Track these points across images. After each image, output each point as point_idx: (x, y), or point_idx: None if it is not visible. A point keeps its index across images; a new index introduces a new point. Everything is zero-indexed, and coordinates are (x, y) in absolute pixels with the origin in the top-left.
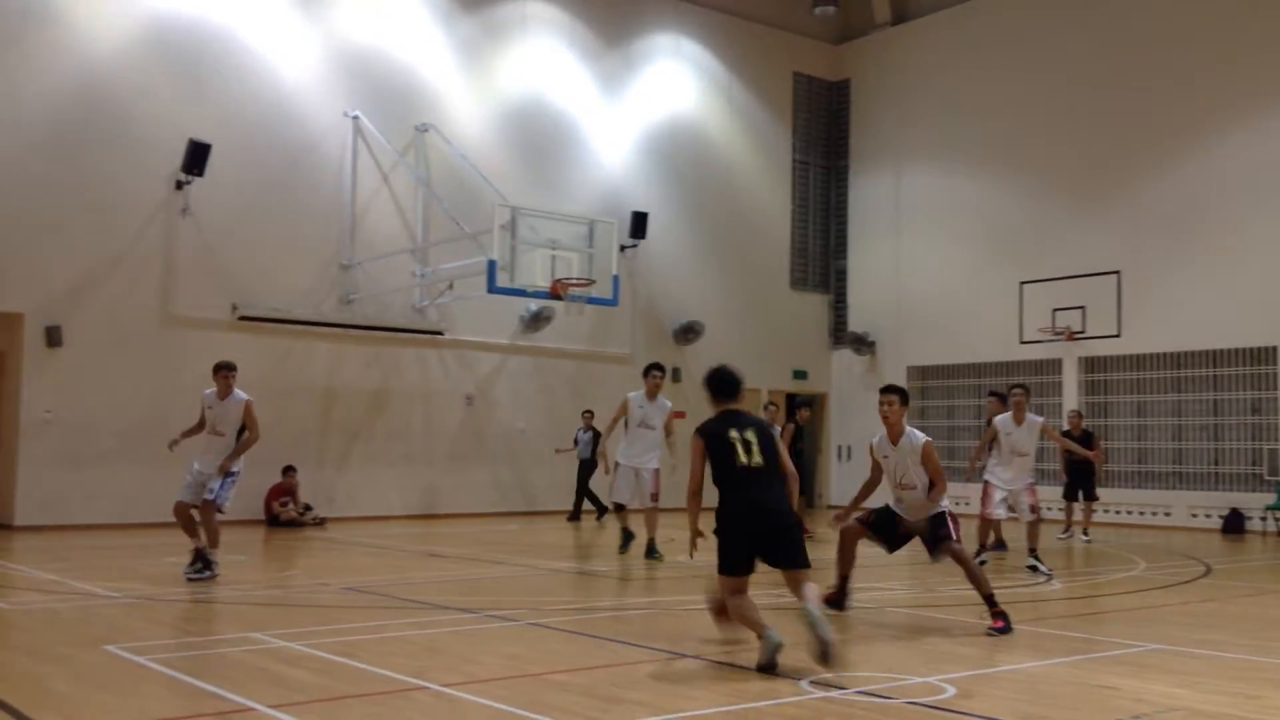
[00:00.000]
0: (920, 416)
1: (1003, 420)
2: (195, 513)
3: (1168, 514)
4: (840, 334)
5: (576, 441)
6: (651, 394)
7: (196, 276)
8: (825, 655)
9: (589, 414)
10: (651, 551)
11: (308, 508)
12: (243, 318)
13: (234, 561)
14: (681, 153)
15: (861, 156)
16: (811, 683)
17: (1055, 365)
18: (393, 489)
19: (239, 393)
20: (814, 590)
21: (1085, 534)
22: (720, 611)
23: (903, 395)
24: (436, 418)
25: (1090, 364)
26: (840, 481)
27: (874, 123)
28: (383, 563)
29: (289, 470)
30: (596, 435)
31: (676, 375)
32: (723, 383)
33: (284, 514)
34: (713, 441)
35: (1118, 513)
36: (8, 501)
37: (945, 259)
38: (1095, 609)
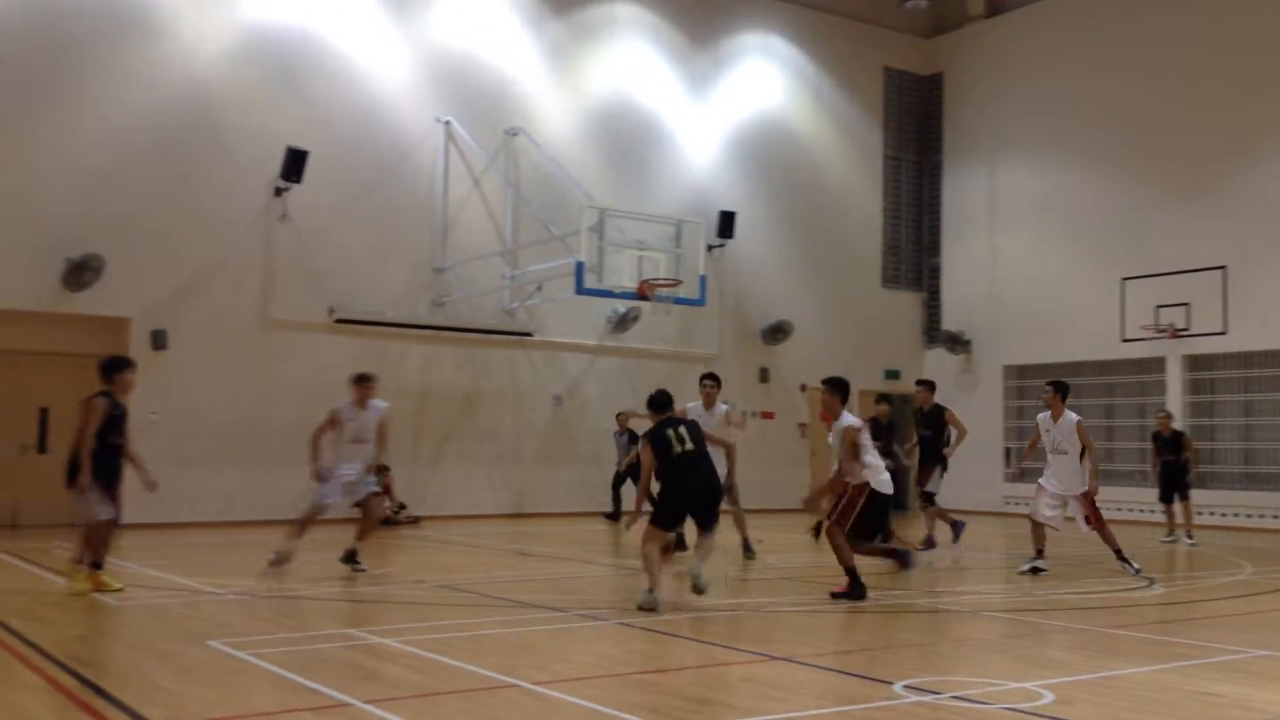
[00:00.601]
0: (1018, 417)
1: (1043, 418)
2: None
3: (1276, 516)
4: (934, 333)
5: (616, 446)
6: (707, 403)
7: (295, 280)
8: (698, 589)
9: (623, 416)
10: (747, 549)
11: (402, 506)
12: (339, 320)
13: (330, 559)
14: (770, 151)
15: (955, 151)
16: (905, 686)
17: (1158, 364)
18: (484, 488)
19: (379, 402)
20: (708, 543)
21: (1189, 536)
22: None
23: (830, 385)
24: (526, 418)
25: (1195, 362)
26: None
27: (968, 117)
28: (474, 561)
29: (383, 469)
30: (633, 437)
31: (765, 376)
32: (662, 402)
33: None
34: (656, 441)
35: (1224, 515)
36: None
37: (1043, 255)
38: (1199, 614)
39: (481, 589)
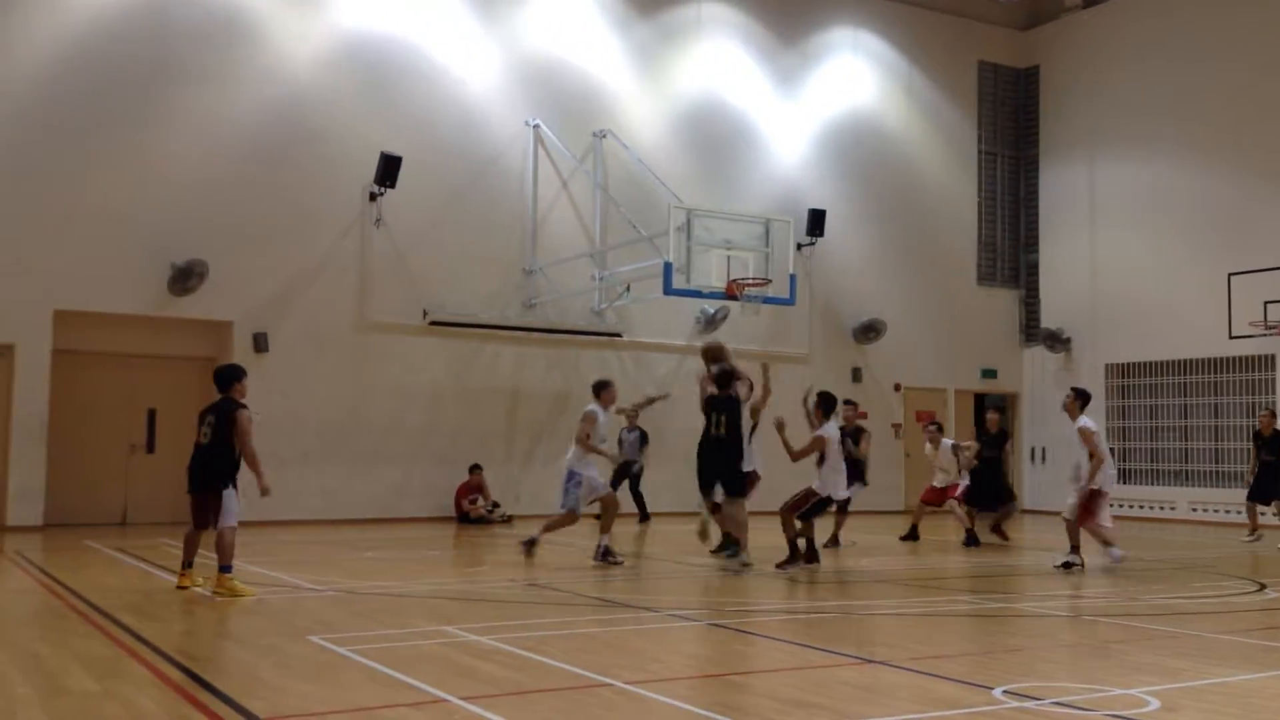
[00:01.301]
0: (1120, 417)
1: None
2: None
3: None
4: (1032, 331)
5: (621, 443)
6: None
7: (389, 284)
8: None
9: (633, 413)
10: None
11: (495, 505)
12: (433, 322)
13: (427, 557)
14: (861, 148)
15: (1052, 145)
16: (1005, 692)
17: (1267, 362)
18: None
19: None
20: (726, 505)
21: (1253, 534)
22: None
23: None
24: (616, 418)
25: None
26: (1035, 486)
27: (1066, 110)
28: (566, 559)
29: (475, 469)
30: (643, 435)
31: (858, 375)
32: (723, 381)
33: (473, 511)
34: (707, 417)
35: None
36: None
37: (1145, 251)
38: None
39: (574, 588)
